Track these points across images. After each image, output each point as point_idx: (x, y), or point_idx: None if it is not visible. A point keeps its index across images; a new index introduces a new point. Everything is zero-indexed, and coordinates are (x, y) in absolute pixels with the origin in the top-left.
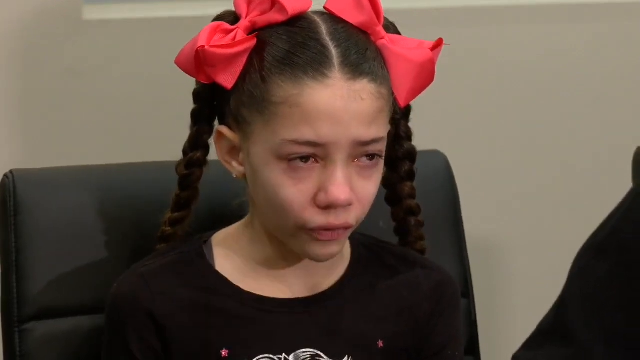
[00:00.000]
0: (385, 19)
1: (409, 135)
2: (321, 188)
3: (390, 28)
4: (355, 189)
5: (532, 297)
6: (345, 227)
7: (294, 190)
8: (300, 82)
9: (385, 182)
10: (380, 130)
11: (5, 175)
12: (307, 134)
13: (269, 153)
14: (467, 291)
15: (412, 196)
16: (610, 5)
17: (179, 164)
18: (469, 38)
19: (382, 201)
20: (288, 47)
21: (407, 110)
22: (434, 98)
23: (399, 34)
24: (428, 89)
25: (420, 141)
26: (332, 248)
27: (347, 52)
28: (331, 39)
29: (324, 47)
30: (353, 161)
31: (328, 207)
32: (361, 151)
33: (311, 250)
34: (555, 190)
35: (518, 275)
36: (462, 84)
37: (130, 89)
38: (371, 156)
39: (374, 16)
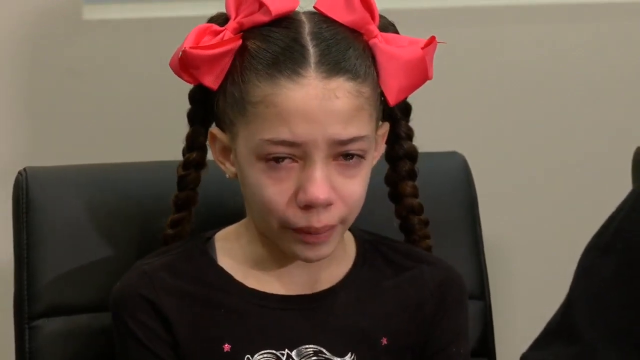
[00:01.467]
0: (384, 18)
1: (409, 135)
2: (300, 187)
3: (389, 28)
4: (337, 188)
5: (547, 298)
6: (328, 229)
7: (274, 190)
8: (276, 82)
9: (388, 180)
10: (359, 129)
11: (19, 173)
12: (283, 133)
13: (251, 153)
14: (482, 293)
15: (414, 195)
16: (610, 5)
17: (179, 165)
18: (470, 38)
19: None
20: (267, 48)
21: (407, 110)
22: (452, 99)
23: (398, 33)
24: (447, 89)
25: (439, 142)
26: (321, 250)
27: (326, 50)
28: (311, 39)
29: (302, 46)
30: (333, 160)
31: (308, 207)
32: (340, 150)
33: (299, 252)
34: (558, 189)
35: (530, 276)
36: (480, 85)
37: (130, 89)
38: (351, 156)
39: (367, 15)
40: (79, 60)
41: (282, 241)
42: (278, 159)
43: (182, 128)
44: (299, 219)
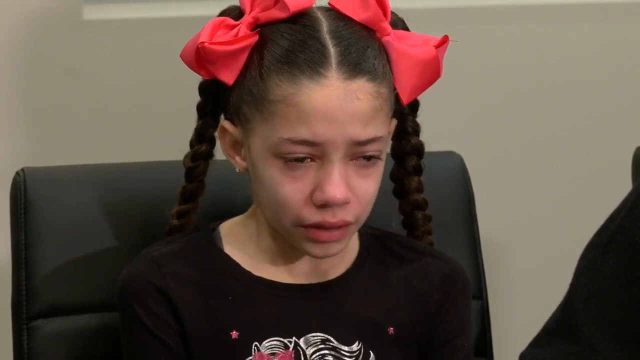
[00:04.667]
0: (394, 14)
1: (416, 131)
2: (317, 186)
3: (399, 24)
4: (353, 187)
5: (545, 298)
6: (342, 225)
7: (291, 188)
8: (297, 82)
9: (393, 176)
10: (377, 129)
11: (17, 173)
12: (303, 133)
13: (267, 151)
14: (480, 292)
15: (419, 190)
16: (610, 5)
17: (185, 156)
18: (469, 38)
19: (395, 202)
20: (287, 46)
21: (415, 105)
22: (450, 99)
23: (408, 30)
24: (445, 89)
25: (437, 142)
26: (331, 248)
27: (346, 50)
28: (331, 37)
29: (323, 45)
30: (351, 160)
31: (324, 206)
32: (358, 151)
33: (309, 249)
34: (556, 189)
35: (528, 276)
36: (478, 84)
37: (130, 89)
38: (368, 157)
39: (380, 12)
40: (79, 60)
41: (293, 237)
42: (298, 159)
43: (182, 128)
44: (313, 215)
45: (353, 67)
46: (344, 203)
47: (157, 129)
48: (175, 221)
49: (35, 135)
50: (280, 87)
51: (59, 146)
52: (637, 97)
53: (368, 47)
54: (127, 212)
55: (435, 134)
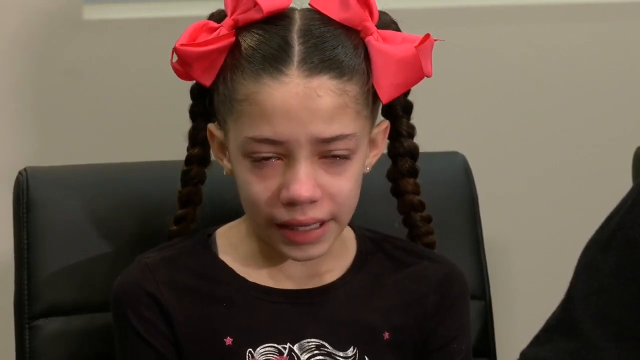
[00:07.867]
0: (387, 15)
1: (410, 133)
2: (283, 185)
3: (391, 26)
4: (323, 186)
5: (547, 298)
6: (314, 222)
7: (261, 187)
8: (258, 80)
9: (389, 176)
10: (345, 127)
11: (20, 173)
12: (265, 131)
13: (237, 150)
14: (483, 293)
15: (415, 192)
16: (610, 5)
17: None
18: (471, 38)
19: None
20: (254, 45)
21: (408, 107)
22: (453, 99)
23: (399, 31)
24: (447, 89)
25: (440, 142)
26: (311, 250)
27: (312, 48)
28: (299, 36)
29: (287, 43)
30: (319, 158)
31: (292, 204)
32: (325, 149)
33: (286, 251)
34: (558, 189)
35: (531, 276)
36: (481, 85)
37: (130, 89)
38: (337, 156)
39: (363, 12)
40: (79, 60)
41: (271, 239)
42: (265, 158)
43: (182, 128)
44: (283, 214)
45: (315, 65)
46: (311, 201)
47: (157, 129)
48: (173, 227)
49: (36, 135)
50: (244, 86)
51: (59, 146)
52: (637, 97)
53: (340, 45)
54: (129, 212)
55: (438, 134)
